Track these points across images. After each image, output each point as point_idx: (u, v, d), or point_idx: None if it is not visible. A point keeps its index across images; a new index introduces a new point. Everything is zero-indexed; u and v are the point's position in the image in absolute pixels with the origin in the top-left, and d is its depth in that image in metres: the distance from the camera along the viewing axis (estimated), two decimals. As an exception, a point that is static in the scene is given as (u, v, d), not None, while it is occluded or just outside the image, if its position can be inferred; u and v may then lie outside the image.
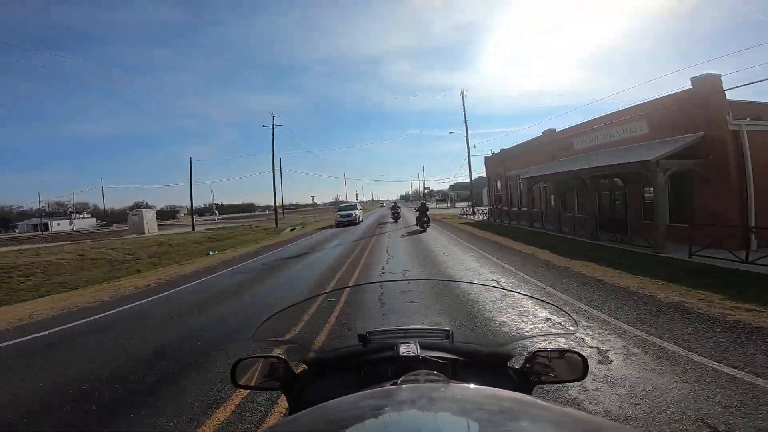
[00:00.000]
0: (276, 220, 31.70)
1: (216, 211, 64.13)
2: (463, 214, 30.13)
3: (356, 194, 78.43)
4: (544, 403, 0.65)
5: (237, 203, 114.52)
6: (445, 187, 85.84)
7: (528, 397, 0.68)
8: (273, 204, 33.05)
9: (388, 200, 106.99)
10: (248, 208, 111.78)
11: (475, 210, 28.56)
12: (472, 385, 0.74)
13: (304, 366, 1.11)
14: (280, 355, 1.07)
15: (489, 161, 27.57)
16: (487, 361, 1.07)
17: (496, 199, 25.69)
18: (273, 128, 30.59)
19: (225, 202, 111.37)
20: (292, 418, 0.67)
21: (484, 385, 0.84)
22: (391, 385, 0.76)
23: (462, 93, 28.74)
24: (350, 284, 7.18)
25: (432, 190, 76.71)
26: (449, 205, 57.77)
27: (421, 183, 76.17)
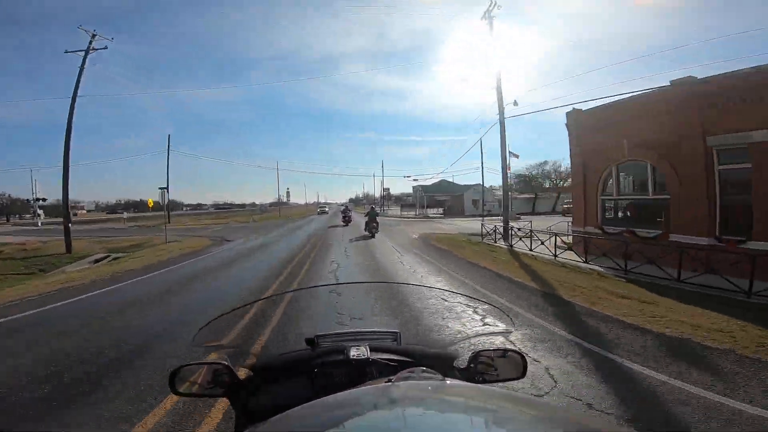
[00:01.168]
0: (68, 235, 15.29)
1: (39, 212, 35.21)
2: (473, 235, 16.69)
3: (287, 192, 70.04)
4: (536, 399, 0.69)
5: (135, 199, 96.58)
6: (407, 189, 75.45)
7: (522, 395, 0.71)
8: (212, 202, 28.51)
9: (337, 203, 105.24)
10: (138, 206, 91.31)
11: (511, 228, 14.13)
12: (466, 383, 0.76)
13: (250, 372, 1.10)
14: (223, 361, 1.05)
15: (584, 121, 11.58)
16: (434, 362, 1.11)
17: (627, 209, 10.78)
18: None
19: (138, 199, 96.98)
20: (291, 412, 0.67)
21: None
22: (386, 382, 0.78)
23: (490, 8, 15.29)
24: (292, 288, 7.09)
25: (388, 192, 65.97)
26: (417, 213, 44.91)
27: (373, 183, 68.42)
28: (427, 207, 46.34)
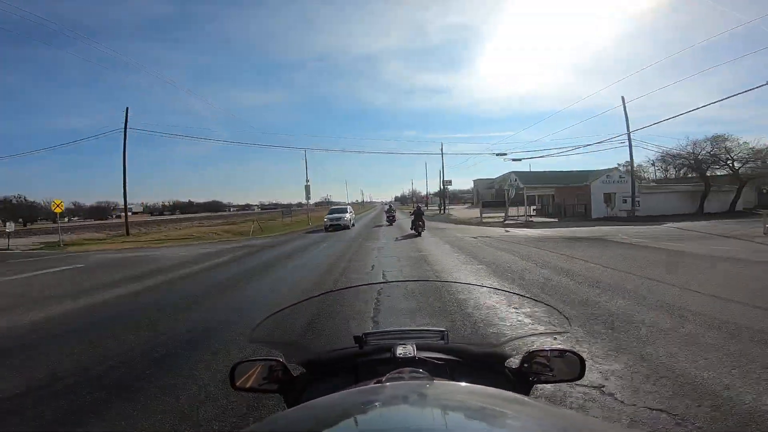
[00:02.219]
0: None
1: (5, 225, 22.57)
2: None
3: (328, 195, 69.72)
4: (528, 399, 0.69)
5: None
6: (468, 185, 73.20)
7: (511, 394, 0.72)
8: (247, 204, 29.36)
9: (381, 202, 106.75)
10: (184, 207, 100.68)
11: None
12: (455, 383, 0.77)
13: (302, 368, 1.15)
14: (278, 358, 1.11)
15: None
16: (484, 361, 1.13)
17: None
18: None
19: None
20: (279, 415, 0.70)
21: (482, 384, 0.87)
22: (375, 383, 0.80)
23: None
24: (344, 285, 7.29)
25: (447, 188, 58.30)
26: (507, 217, 28.38)
27: (426, 174, 66.16)
28: (521, 204, 30.10)
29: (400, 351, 1.06)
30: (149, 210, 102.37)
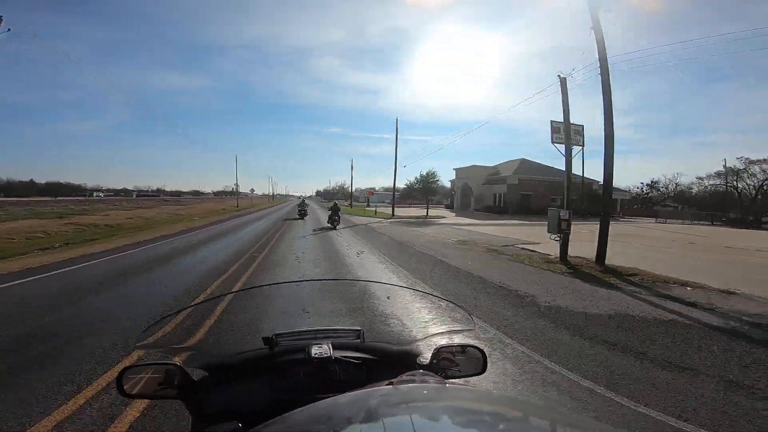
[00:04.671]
0: None
1: None
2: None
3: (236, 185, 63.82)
4: (540, 403, 0.82)
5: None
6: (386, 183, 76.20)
7: (524, 398, 0.85)
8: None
9: (296, 196, 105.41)
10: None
11: None
12: (468, 387, 0.81)
13: (204, 372, 1.13)
14: (175, 362, 1.08)
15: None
16: (399, 359, 1.19)
17: None
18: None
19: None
20: (288, 415, 0.71)
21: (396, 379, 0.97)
22: (386, 384, 0.82)
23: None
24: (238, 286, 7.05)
25: (374, 189, 65.55)
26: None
27: (333, 180, 68.31)
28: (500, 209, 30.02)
29: (315, 351, 1.09)
30: None
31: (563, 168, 11.29)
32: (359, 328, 1.28)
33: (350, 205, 58.79)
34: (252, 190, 70.13)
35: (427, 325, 4.32)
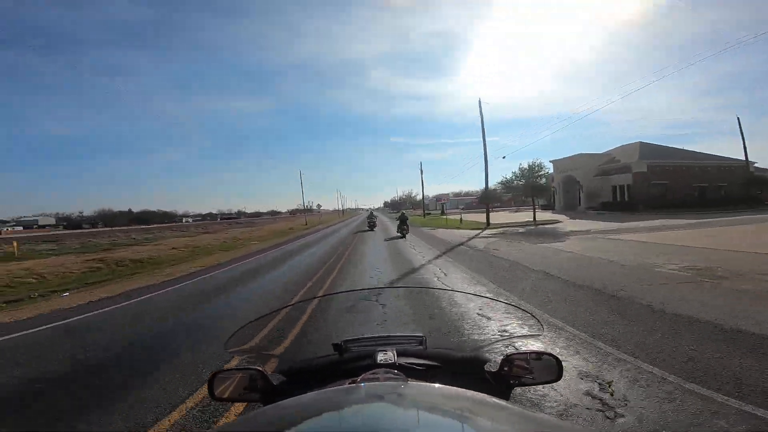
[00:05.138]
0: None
1: None
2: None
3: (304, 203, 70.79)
4: (499, 401, 0.73)
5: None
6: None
7: (485, 396, 0.75)
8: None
9: (367, 208, 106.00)
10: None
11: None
12: (429, 384, 0.82)
13: (282, 377, 1.21)
14: (258, 367, 1.17)
15: None
16: (464, 366, 1.19)
17: None
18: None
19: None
20: (250, 415, 0.76)
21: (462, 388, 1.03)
22: (350, 383, 0.86)
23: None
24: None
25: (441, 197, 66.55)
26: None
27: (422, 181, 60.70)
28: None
29: (380, 357, 1.13)
30: (63, 221, 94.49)
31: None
32: (421, 334, 1.31)
33: (423, 214, 52.39)
34: (319, 206, 69.80)
35: (495, 332, 4.59)
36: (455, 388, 0.76)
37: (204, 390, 3.37)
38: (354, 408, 0.69)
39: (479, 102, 26.55)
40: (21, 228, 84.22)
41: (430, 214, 52.58)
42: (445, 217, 39.49)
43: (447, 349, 1.30)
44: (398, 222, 22.18)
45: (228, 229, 46.89)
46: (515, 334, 4.19)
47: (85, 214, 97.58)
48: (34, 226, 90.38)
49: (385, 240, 19.63)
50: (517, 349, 1.19)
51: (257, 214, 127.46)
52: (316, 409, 0.68)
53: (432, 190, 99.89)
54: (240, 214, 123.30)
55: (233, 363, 3.26)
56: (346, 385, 0.84)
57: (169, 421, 2.99)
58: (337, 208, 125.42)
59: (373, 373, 0.91)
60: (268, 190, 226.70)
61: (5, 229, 76.97)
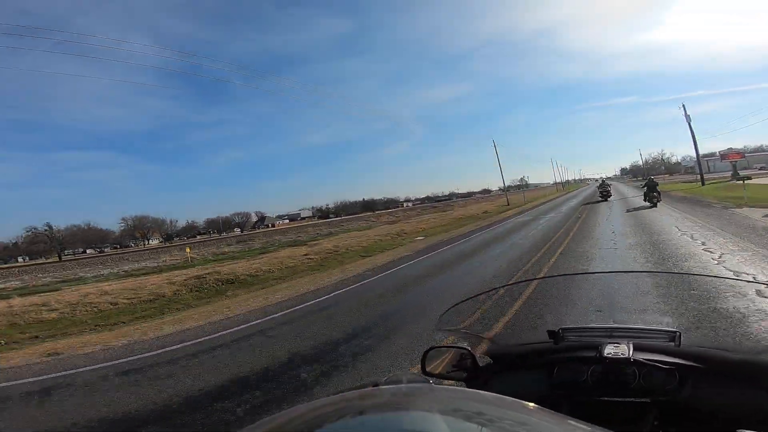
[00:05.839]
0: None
1: None
2: None
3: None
4: (536, 407, 0.65)
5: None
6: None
7: (517, 401, 0.68)
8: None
9: (596, 178, 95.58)
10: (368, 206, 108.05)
11: None
12: (456, 387, 0.81)
13: (489, 359, 1.23)
14: (467, 347, 1.22)
15: None
16: (738, 371, 0.98)
17: None
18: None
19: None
20: (273, 417, 0.75)
21: (727, 397, 0.90)
22: (372, 387, 0.83)
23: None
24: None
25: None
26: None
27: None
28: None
29: (609, 350, 1.03)
30: (319, 213, 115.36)
31: None
32: (675, 329, 1.12)
33: (701, 180, 31.81)
34: (525, 179, 59.14)
35: None
36: (486, 392, 0.70)
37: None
38: (375, 412, 0.66)
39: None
40: (287, 220, 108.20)
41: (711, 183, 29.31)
42: (744, 183, 18.85)
43: (712, 349, 1.13)
44: (645, 189, 19.82)
45: (416, 215, 43.71)
46: None
47: (330, 206, 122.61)
48: (298, 218, 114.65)
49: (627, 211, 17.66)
50: None
51: (469, 194, 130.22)
52: (335, 413, 0.67)
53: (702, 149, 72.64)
54: (452, 195, 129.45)
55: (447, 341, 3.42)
56: (368, 388, 0.82)
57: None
58: (557, 181, 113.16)
59: (397, 376, 0.87)
60: (479, 170, 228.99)
61: (278, 222, 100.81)
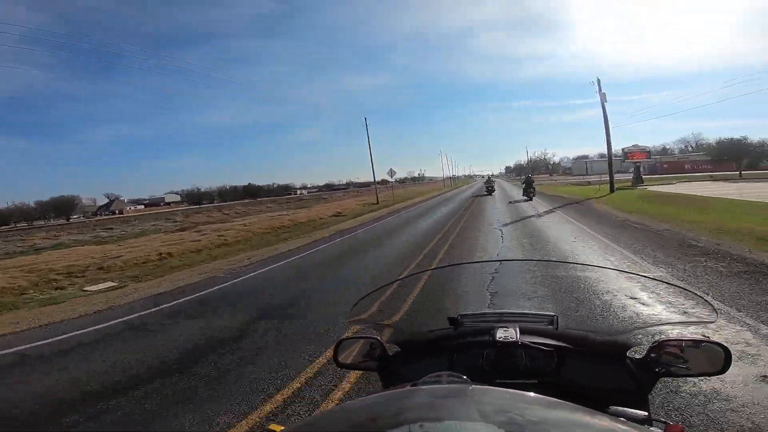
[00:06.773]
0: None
1: None
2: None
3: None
4: (580, 408, 0.64)
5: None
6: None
7: (561, 402, 0.68)
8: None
9: (484, 175, 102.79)
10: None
11: None
12: (497, 388, 0.76)
13: (397, 348, 1.26)
14: (377, 337, 1.23)
15: None
16: (602, 350, 1.09)
17: None
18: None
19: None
20: (311, 419, 0.79)
21: (597, 375, 1.01)
22: (411, 385, 0.84)
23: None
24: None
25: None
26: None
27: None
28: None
29: (500, 334, 1.09)
30: (188, 198, 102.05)
31: None
32: (553, 313, 1.23)
33: (610, 184, 24.09)
34: (422, 173, 58.92)
35: (649, 316, 4.15)
36: (530, 393, 0.67)
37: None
38: (414, 413, 0.64)
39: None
40: (143, 207, 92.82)
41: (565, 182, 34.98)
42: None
43: (582, 330, 1.22)
44: (524, 186, 23.76)
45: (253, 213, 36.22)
46: (674, 320, 3.51)
47: (206, 189, 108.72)
48: (161, 204, 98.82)
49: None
50: (673, 335, 1.01)
51: (366, 185, 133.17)
52: (374, 414, 0.65)
53: (572, 153, 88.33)
54: (349, 184, 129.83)
55: (354, 331, 3.54)
56: (407, 388, 0.81)
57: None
58: (447, 176, 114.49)
59: (437, 375, 0.86)
60: (384, 161, 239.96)
61: (128, 208, 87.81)
